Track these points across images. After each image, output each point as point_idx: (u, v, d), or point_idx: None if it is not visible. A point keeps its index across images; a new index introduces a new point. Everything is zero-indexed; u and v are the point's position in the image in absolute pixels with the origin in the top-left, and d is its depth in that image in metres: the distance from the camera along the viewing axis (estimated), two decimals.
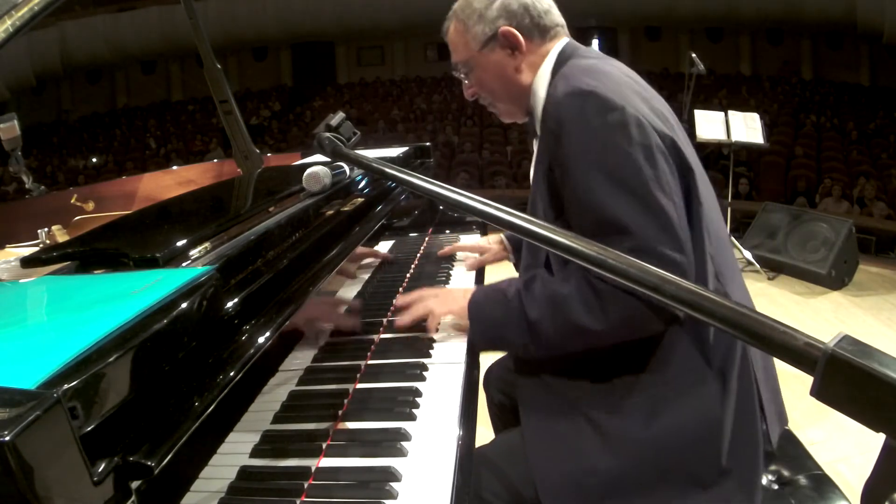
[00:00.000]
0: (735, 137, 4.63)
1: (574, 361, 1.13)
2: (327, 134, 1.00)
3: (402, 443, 0.92)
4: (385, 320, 1.35)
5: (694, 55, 4.63)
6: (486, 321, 1.19)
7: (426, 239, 1.98)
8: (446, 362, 1.18)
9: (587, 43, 1.35)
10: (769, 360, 1.20)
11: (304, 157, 2.34)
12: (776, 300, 4.15)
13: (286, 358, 1.09)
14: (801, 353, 0.48)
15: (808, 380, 0.48)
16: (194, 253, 0.92)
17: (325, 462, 0.90)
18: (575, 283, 1.08)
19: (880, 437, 0.45)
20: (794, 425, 1.26)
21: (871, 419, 0.44)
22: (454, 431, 0.96)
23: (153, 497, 0.60)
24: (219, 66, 2.04)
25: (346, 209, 1.39)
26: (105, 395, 0.56)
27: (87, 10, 13.43)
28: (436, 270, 1.68)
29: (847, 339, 0.46)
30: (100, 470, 0.53)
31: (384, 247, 1.95)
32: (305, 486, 0.85)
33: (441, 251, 1.75)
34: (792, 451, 1.25)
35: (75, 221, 1.80)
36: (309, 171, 1.32)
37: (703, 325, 1.08)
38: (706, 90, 11.31)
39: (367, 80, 15.81)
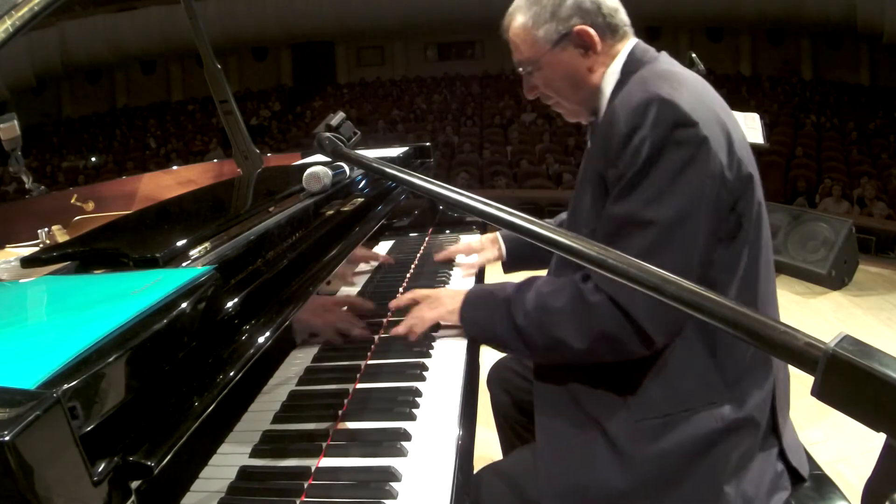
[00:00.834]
0: None
1: (597, 373, 1.12)
2: (327, 134, 1.00)
3: (402, 443, 0.92)
4: (385, 320, 1.34)
5: (694, 55, 4.61)
6: (477, 325, 1.22)
7: (426, 239, 1.98)
8: (446, 362, 1.18)
9: None
10: (787, 392, 1.19)
11: (304, 157, 2.34)
12: None
13: (286, 358, 1.09)
14: (801, 353, 0.48)
15: (808, 380, 0.48)
16: (194, 253, 0.92)
17: (325, 462, 0.90)
18: (566, 297, 1.09)
19: (880, 437, 0.45)
20: (795, 425, 1.26)
21: (871, 419, 0.44)
22: (454, 431, 0.96)
23: (153, 497, 0.60)
24: (219, 66, 2.04)
25: (346, 209, 1.38)
26: (105, 395, 0.56)
27: (87, 10, 13.43)
28: (435, 270, 1.68)
29: (847, 339, 0.46)
30: (100, 470, 0.53)
31: (384, 247, 1.95)
32: (305, 486, 0.85)
33: (437, 256, 1.72)
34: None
35: (75, 221, 1.80)
36: (309, 171, 1.32)
37: (716, 345, 1.07)
38: None
39: (367, 80, 15.81)
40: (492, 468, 1.21)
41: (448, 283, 1.60)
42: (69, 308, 0.72)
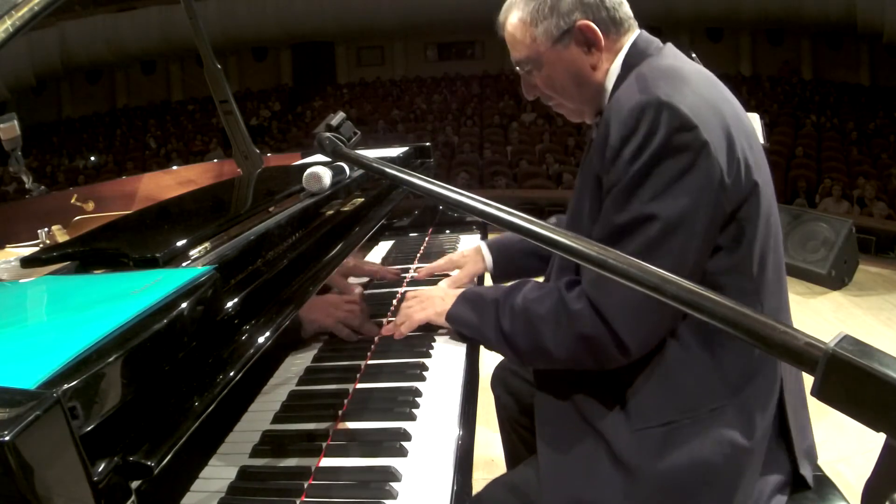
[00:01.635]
0: None
1: (598, 380, 1.10)
2: (327, 134, 1.00)
3: (402, 443, 0.92)
4: (385, 320, 1.34)
5: (694, 55, 4.62)
6: (466, 327, 1.21)
7: (426, 239, 1.98)
8: (446, 362, 1.18)
9: None
10: (800, 395, 1.16)
11: (304, 157, 2.33)
12: None
13: (286, 358, 1.09)
14: (801, 353, 0.48)
15: (808, 380, 0.48)
16: (194, 253, 0.92)
17: (325, 462, 0.90)
18: (550, 304, 1.07)
19: (880, 437, 0.45)
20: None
21: (871, 419, 0.44)
22: (454, 431, 0.96)
23: (153, 497, 0.60)
24: (219, 66, 2.03)
25: (346, 209, 1.38)
26: (105, 395, 0.56)
27: (87, 10, 13.43)
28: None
29: (847, 339, 0.46)
30: (100, 470, 0.53)
31: (384, 247, 1.95)
32: (305, 486, 0.85)
33: (418, 274, 1.63)
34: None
35: (75, 221, 1.80)
36: (309, 171, 1.32)
37: (715, 349, 1.05)
38: None
39: (367, 80, 15.80)
40: (499, 483, 1.20)
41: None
42: (69, 308, 0.72)
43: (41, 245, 1.52)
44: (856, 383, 0.44)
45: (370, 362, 1.19)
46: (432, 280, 1.60)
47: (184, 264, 0.88)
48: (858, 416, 0.45)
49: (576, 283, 1.08)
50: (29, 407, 0.46)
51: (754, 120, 4.72)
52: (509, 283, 1.21)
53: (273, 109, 14.68)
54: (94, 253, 0.91)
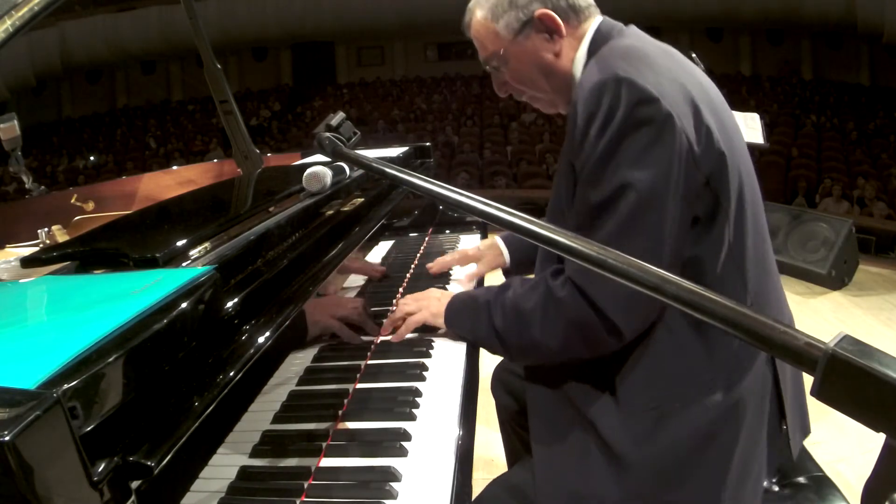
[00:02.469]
0: None
1: (587, 368, 1.10)
2: (327, 134, 1.00)
3: (402, 443, 0.92)
4: (385, 320, 1.34)
5: (694, 55, 4.61)
6: (461, 328, 1.22)
7: (426, 239, 1.98)
8: (446, 362, 1.18)
9: None
10: (799, 373, 1.16)
11: (304, 157, 2.33)
12: None
13: (286, 358, 1.09)
14: (801, 353, 0.48)
15: (808, 380, 0.48)
16: (194, 253, 0.92)
17: (325, 462, 0.90)
18: (537, 297, 1.08)
19: (880, 437, 0.45)
20: None
21: (871, 419, 0.44)
22: (454, 431, 0.96)
23: (153, 497, 0.60)
24: (219, 66, 2.04)
25: (346, 209, 1.38)
26: (105, 395, 0.56)
27: (87, 10, 13.42)
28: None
29: (847, 339, 0.46)
30: (100, 470, 0.53)
31: (384, 247, 1.95)
32: (305, 486, 0.85)
33: (431, 269, 1.62)
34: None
35: (75, 221, 1.80)
36: (309, 171, 1.32)
37: (703, 333, 1.05)
38: None
39: (367, 80, 15.80)
40: (498, 483, 1.20)
41: (448, 285, 1.60)
42: (69, 308, 0.72)
43: (41, 245, 1.52)
44: (856, 383, 0.44)
45: (370, 362, 1.19)
46: (431, 283, 1.60)
47: (184, 264, 0.88)
48: (858, 416, 0.44)
49: (560, 271, 1.08)
50: (29, 407, 0.46)
51: (754, 120, 4.71)
52: (499, 284, 1.21)
53: (273, 109, 14.68)
54: (94, 253, 0.91)
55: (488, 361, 1.50)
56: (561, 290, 1.04)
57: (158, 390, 0.65)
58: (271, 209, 1.20)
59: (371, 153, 1.65)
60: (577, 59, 1.16)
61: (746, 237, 1.08)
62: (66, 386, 0.51)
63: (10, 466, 0.43)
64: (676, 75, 1.05)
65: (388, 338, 1.28)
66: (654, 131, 0.97)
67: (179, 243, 0.90)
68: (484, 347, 1.22)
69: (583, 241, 0.65)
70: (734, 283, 1.07)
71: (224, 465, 0.86)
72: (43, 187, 1.92)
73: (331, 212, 1.34)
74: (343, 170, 1.44)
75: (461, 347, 1.23)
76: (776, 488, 1.18)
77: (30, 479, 0.44)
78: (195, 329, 0.71)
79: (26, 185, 1.84)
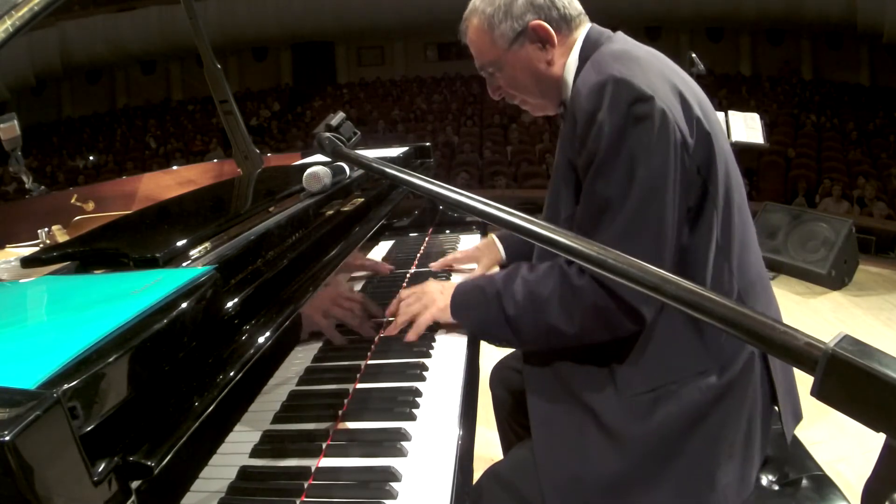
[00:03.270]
0: (735, 137, 4.62)
1: (584, 353, 1.14)
2: (327, 134, 1.00)
3: (402, 443, 0.92)
4: (385, 320, 1.34)
5: (694, 55, 4.62)
6: (469, 321, 1.23)
7: (426, 239, 1.98)
8: (446, 362, 1.18)
9: None
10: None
11: (304, 157, 2.33)
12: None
13: (286, 358, 1.09)
14: (801, 353, 0.48)
15: (808, 380, 0.48)
16: (194, 253, 0.92)
17: (325, 462, 0.90)
18: (553, 283, 1.10)
19: (880, 437, 0.45)
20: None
21: (871, 419, 0.44)
22: (454, 431, 0.96)
23: (153, 497, 0.60)
24: (219, 66, 2.04)
25: (346, 209, 1.38)
26: (105, 395, 0.56)
27: (87, 10, 13.43)
28: (435, 272, 1.68)
29: (847, 339, 0.46)
30: (100, 470, 0.53)
31: (384, 247, 1.95)
32: (305, 486, 0.85)
33: (433, 266, 1.65)
34: (792, 452, 1.24)
35: (75, 221, 1.80)
36: (309, 171, 1.32)
37: (698, 320, 1.08)
38: (706, 90, 11.16)
39: (367, 80, 15.80)
40: (491, 473, 1.21)
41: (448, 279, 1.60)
42: (69, 308, 0.72)
43: (41, 245, 1.52)
44: (856, 383, 0.44)
45: (370, 362, 1.19)
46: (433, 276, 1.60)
47: (184, 264, 0.88)
48: (858, 416, 0.45)
49: None
50: (29, 407, 0.46)
51: (754, 120, 4.70)
52: (503, 271, 1.22)
53: (273, 109, 14.68)
54: (94, 253, 0.91)
55: (488, 361, 1.50)
56: (578, 279, 1.07)
57: (158, 390, 0.65)
58: (271, 209, 1.20)
59: (371, 153, 1.65)
60: (569, 65, 1.22)
61: (733, 228, 1.13)
62: (66, 386, 0.51)
63: (10, 466, 0.43)
64: (665, 74, 1.12)
65: (393, 336, 1.27)
66: (652, 126, 1.03)
67: (179, 243, 0.90)
68: (490, 337, 1.22)
69: (583, 240, 0.66)
70: (722, 273, 1.12)
71: (224, 465, 0.86)
72: (43, 187, 1.92)
73: (331, 212, 1.34)
74: (343, 170, 1.44)
75: (461, 347, 1.23)
76: (776, 487, 1.18)
77: (30, 479, 0.44)
78: (195, 329, 0.71)
79: (26, 185, 1.84)
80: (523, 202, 8.42)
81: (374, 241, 1.77)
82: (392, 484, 0.83)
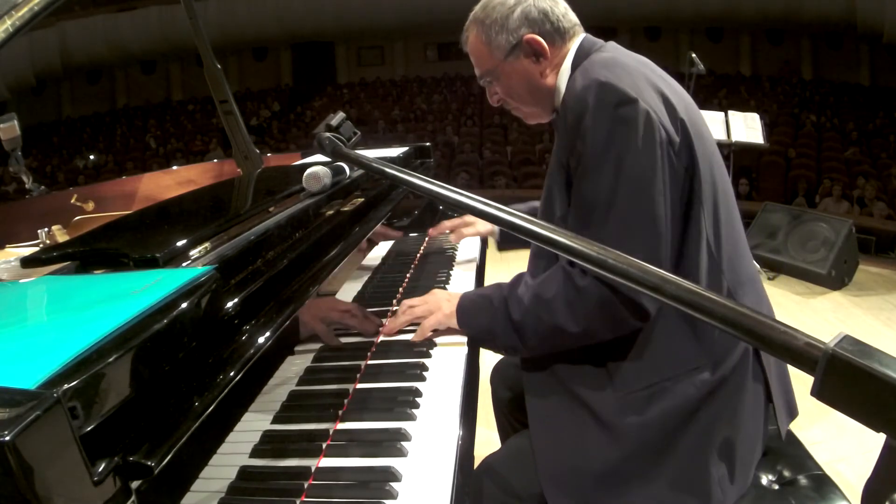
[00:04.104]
0: (735, 137, 4.62)
1: (580, 353, 1.16)
2: (327, 134, 1.00)
3: (402, 443, 0.92)
4: (385, 320, 1.34)
5: (694, 55, 4.63)
6: (475, 328, 1.24)
7: (426, 239, 1.98)
8: (446, 362, 1.18)
9: None
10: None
11: (304, 157, 2.33)
12: (776, 300, 4.12)
13: (286, 358, 1.09)
14: (801, 353, 0.48)
15: (808, 379, 0.48)
16: (194, 253, 0.92)
17: (325, 462, 0.90)
18: (557, 284, 1.12)
19: (880, 437, 0.45)
20: (795, 425, 1.26)
21: (871, 419, 0.44)
22: (454, 431, 0.96)
23: (153, 497, 0.60)
24: (219, 66, 2.04)
25: (346, 209, 1.38)
26: (105, 395, 0.56)
27: (87, 10, 13.43)
28: (436, 271, 1.68)
29: (847, 339, 0.46)
30: (100, 470, 0.53)
31: (384, 247, 1.95)
32: (305, 486, 0.85)
33: (431, 231, 1.83)
34: (792, 451, 1.25)
35: (75, 221, 1.80)
36: (309, 171, 1.32)
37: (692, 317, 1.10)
38: (706, 90, 11.30)
39: (367, 80, 15.80)
40: (488, 464, 1.22)
41: (448, 284, 1.60)
42: (69, 308, 0.72)
43: (41, 245, 1.52)
44: (856, 383, 0.44)
45: (370, 362, 1.19)
46: (432, 282, 1.60)
47: (184, 264, 0.88)
48: (858, 417, 0.45)
49: None
50: (29, 407, 0.46)
51: (754, 120, 4.70)
52: (508, 282, 1.23)
53: (273, 109, 14.68)
54: (94, 253, 0.91)
55: (488, 361, 1.50)
56: (582, 280, 1.09)
57: (159, 390, 0.65)
58: (271, 209, 1.20)
59: (371, 153, 1.65)
60: (562, 74, 1.26)
61: (721, 227, 1.15)
62: (66, 386, 0.51)
63: (10, 466, 0.43)
64: (650, 79, 1.15)
65: (408, 337, 1.27)
66: (637, 127, 1.06)
67: (179, 243, 0.90)
68: (495, 344, 1.23)
69: (583, 240, 0.66)
70: (712, 271, 1.14)
71: (224, 465, 0.86)
72: (43, 187, 1.92)
73: (331, 212, 1.34)
74: (343, 170, 1.45)
75: (461, 347, 1.22)
76: (776, 487, 1.18)
77: (30, 479, 0.44)
78: (195, 329, 0.71)
79: (26, 185, 1.84)
80: (523, 202, 8.40)
81: (373, 241, 1.77)
82: (392, 484, 0.83)
